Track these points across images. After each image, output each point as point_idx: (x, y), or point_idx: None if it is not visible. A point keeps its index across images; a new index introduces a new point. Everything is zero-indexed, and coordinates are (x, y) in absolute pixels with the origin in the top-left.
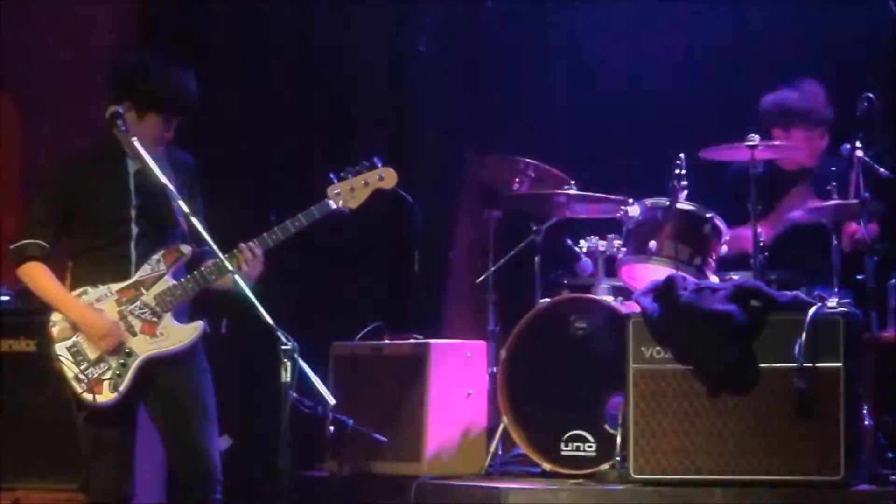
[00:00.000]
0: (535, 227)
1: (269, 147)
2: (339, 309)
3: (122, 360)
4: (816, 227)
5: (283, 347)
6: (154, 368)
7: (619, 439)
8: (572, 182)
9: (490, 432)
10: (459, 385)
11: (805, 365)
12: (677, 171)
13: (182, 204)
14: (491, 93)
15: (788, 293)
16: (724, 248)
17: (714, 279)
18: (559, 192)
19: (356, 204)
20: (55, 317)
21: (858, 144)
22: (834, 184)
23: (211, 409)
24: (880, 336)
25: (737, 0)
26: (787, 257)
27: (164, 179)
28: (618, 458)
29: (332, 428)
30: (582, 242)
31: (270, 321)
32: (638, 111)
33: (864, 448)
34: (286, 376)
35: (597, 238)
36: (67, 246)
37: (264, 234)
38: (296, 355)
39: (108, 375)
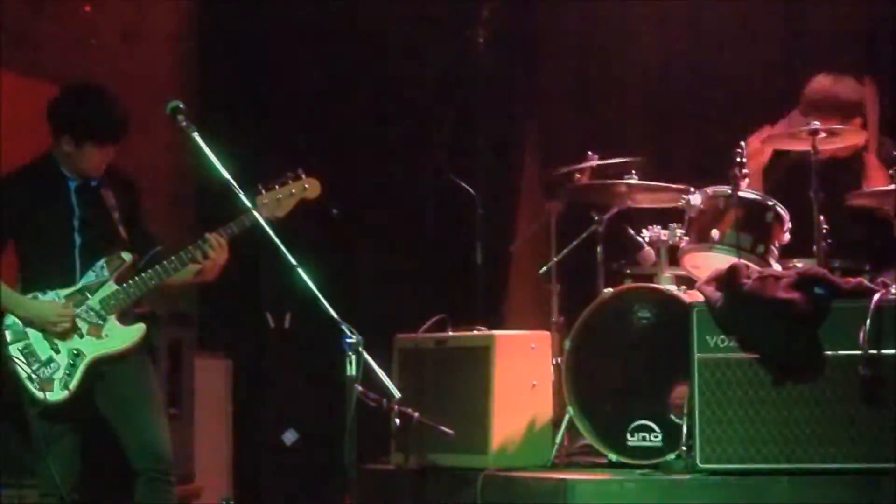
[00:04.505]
0: (596, 218)
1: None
2: (402, 301)
3: (71, 361)
4: (879, 214)
5: (348, 341)
6: (101, 367)
7: (684, 429)
8: (633, 172)
9: (555, 423)
10: (524, 376)
11: (870, 352)
12: (738, 160)
13: (244, 198)
14: (551, 83)
15: (852, 280)
16: (787, 237)
17: (777, 267)
18: (620, 181)
19: (283, 213)
20: (8, 320)
21: None
22: None
23: (155, 398)
24: None
25: None
26: (851, 244)
27: (226, 175)
28: (684, 448)
29: (397, 421)
30: (644, 232)
31: (335, 315)
32: (698, 99)
33: None
34: (351, 370)
35: (659, 227)
36: (16, 254)
37: (229, 224)
38: (361, 348)
39: (58, 375)
